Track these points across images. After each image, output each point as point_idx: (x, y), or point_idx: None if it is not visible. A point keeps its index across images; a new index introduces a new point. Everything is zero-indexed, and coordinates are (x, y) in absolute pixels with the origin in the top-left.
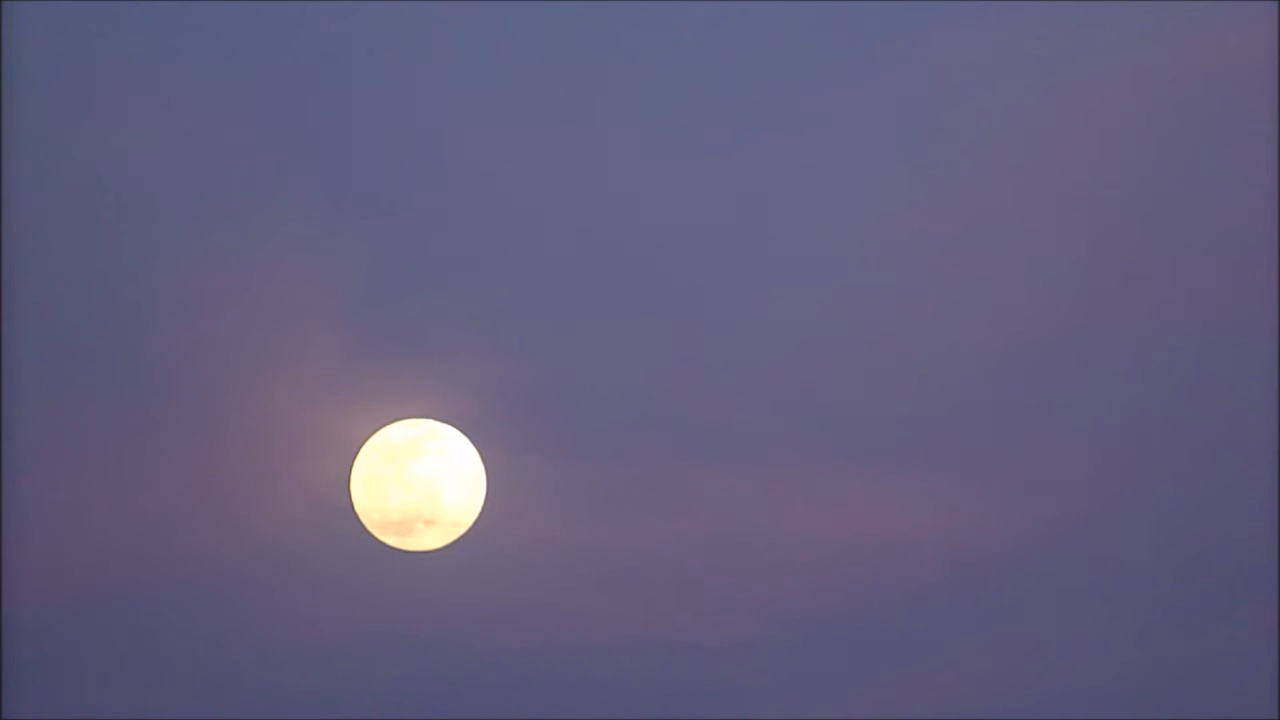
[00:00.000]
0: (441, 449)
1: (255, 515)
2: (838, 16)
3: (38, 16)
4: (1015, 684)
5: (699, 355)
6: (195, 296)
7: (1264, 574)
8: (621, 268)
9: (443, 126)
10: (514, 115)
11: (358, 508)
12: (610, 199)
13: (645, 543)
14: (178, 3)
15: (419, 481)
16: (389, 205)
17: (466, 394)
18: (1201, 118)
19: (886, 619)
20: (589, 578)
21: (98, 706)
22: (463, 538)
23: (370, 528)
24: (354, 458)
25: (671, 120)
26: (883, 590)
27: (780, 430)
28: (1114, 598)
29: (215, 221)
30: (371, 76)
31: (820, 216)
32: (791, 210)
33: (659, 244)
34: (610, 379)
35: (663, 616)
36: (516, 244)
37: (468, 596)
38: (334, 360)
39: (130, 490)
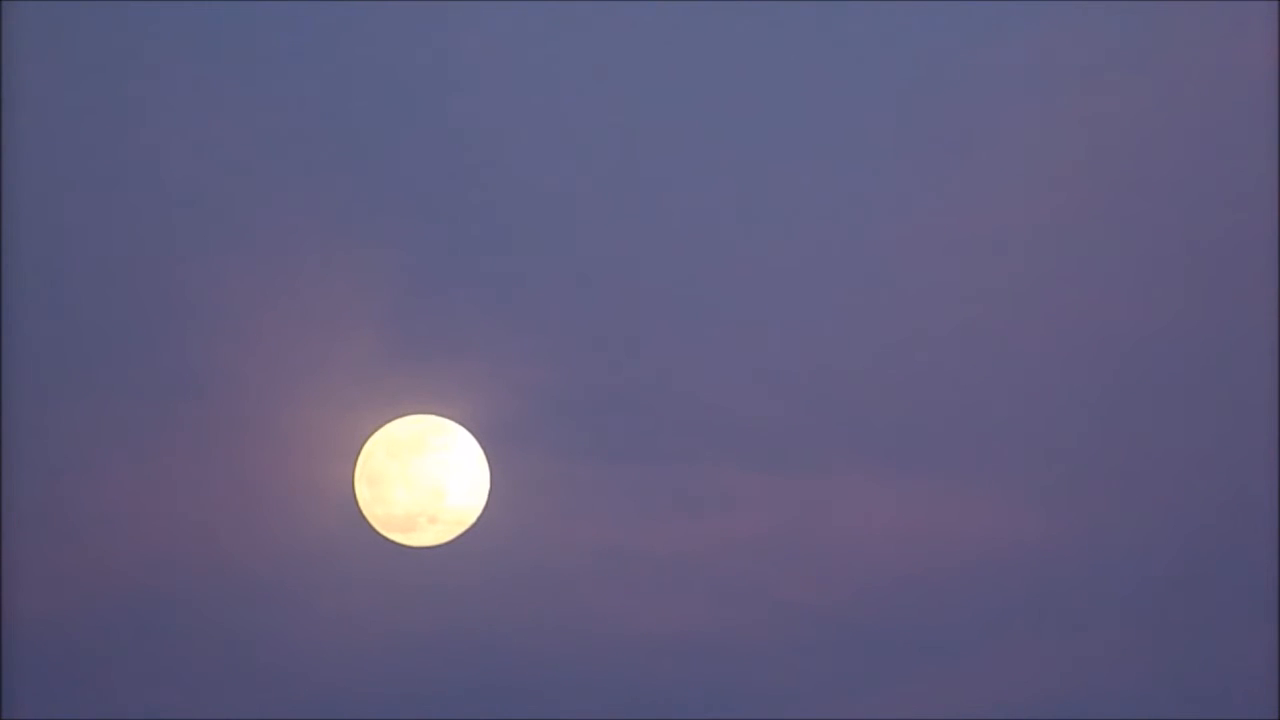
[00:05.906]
0: (446, 445)
1: (256, 511)
2: (841, 18)
3: (79, 14)
4: (1022, 684)
5: (705, 354)
6: (197, 298)
7: (1265, 576)
8: (626, 266)
9: (453, 124)
10: (518, 115)
11: (361, 503)
12: (623, 198)
13: (650, 542)
14: (212, 1)
15: (423, 478)
16: (396, 206)
17: (471, 391)
18: (1201, 118)
19: (903, 620)
20: (592, 576)
21: (98, 706)
22: (466, 535)
23: (374, 523)
24: (358, 454)
25: (696, 123)
26: (899, 592)
27: (789, 430)
28: (1118, 598)
29: (222, 224)
30: (382, 78)
31: (834, 218)
32: (810, 212)
33: (669, 243)
34: (615, 377)
35: (667, 615)
36: (523, 242)
37: (470, 594)
38: (337, 358)
39: (130, 489)
